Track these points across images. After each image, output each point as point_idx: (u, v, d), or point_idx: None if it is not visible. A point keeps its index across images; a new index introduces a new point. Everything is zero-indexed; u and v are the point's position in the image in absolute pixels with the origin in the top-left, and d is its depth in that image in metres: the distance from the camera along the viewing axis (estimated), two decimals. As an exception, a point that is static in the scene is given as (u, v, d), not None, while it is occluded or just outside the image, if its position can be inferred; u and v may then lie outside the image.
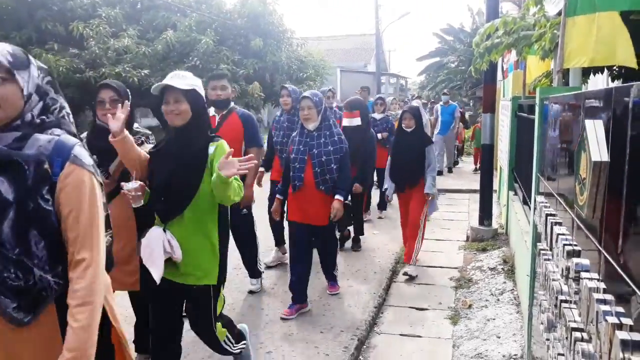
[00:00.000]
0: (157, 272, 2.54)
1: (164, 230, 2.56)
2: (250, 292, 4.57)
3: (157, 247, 2.52)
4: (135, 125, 3.09)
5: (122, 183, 2.54)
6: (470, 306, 4.39)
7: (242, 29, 14.26)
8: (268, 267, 5.19)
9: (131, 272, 2.97)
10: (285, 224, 4.35)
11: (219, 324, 2.85)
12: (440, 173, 12.00)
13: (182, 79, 2.56)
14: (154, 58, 12.52)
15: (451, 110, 12.54)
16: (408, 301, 4.61)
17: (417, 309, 4.46)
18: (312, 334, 3.80)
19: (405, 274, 5.13)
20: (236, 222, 4.07)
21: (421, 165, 5.06)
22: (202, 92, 2.65)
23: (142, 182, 2.56)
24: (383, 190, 5.43)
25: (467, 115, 20.26)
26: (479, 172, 11.53)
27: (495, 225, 6.63)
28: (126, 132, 2.50)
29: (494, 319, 4.02)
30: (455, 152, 13.93)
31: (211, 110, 4.20)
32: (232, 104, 4.36)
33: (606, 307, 1.12)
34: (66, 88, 11.60)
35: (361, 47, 31.79)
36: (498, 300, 4.41)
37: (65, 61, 11.38)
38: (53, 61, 11.16)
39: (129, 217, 2.92)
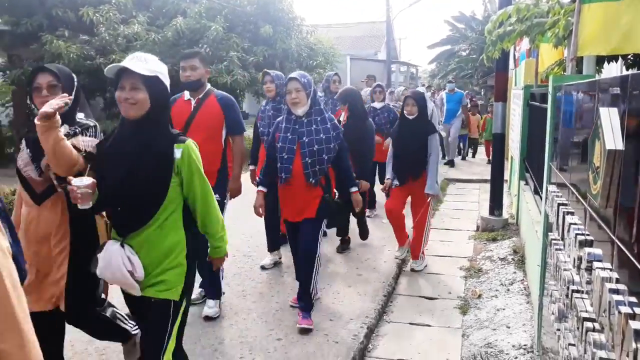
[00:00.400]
0: (132, 289, 2.21)
1: (122, 245, 2.18)
2: (206, 317, 3.77)
3: (116, 266, 2.15)
4: (81, 115, 2.63)
5: (70, 178, 2.16)
6: (480, 296, 4.39)
7: (251, 15, 14.20)
8: (263, 268, 4.86)
9: (56, 281, 2.55)
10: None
11: (168, 352, 2.26)
12: (452, 164, 11.75)
13: (142, 63, 2.16)
14: (164, 45, 12.50)
15: (457, 98, 12.04)
16: (418, 290, 4.61)
17: (426, 298, 4.46)
18: (322, 321, 3.81)
19: (412, 269, 5.02)
20: None
21: (425, 155, 4.76)
22: (167, 82, 2.24)
23: (94, 180, 2.18)
24: (386, 179, 5.05)
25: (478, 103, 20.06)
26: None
27: (505, 215, 6.59)
28: (57, 118, 2.23)
29: (503, 309, 4.01)
30: (464, 144, 13.40)
31: (186, 94, 3.82)
32: (209, 86, 3.88)
33: (619, 297, 1.11)
34: (77, 75, 11.60)
35: (371, 34, 31.55)
36: (508, 290, 4.40)
37: (76, 48, 11.41)
38: (64, 47, 11.19)
39: (61, 223, 2.53)
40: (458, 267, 5.17)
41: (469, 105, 13.51)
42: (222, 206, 3.74)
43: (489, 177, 6.85)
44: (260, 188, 3.78)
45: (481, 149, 14.01)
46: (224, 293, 4.03)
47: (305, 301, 3.69)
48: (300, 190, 3.60)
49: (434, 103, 10.61)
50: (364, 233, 5.72)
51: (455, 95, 12.06)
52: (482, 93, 23.97)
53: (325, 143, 3.57)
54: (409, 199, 5.10)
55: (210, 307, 3.82)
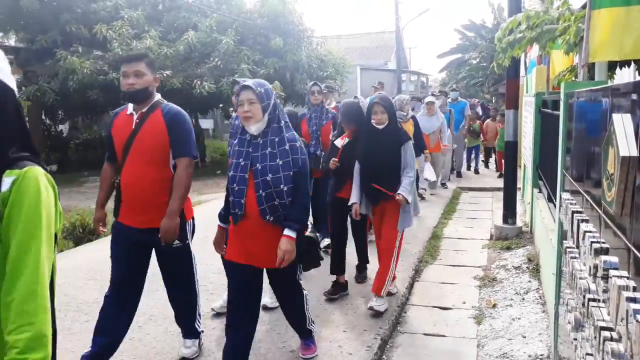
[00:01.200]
0: None
1: None
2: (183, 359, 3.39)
3: None
4: None
5: None
6: (494, 305, 4.34)
7: (262, 28, 14.33)
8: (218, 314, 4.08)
9: None
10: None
11: None
12: (459, 174, 11.56)
13: None
14: (176, 59, 12.67)
15: (460, 107, 11.23)
16: (431, 300, 4.58)
17: (440, 308, 4.42)
18: (336, 332, 3.79)
19: (370, 308, 4.06)
20: (165, 263, 3.26)
21: (398, 170, 4.10)
22: (12, 85, 1.51)
23: None
24: (350, 203, 4.24)
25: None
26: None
27: (519, 223, 6.54)
28: None
29: (519, 319, 3.96)
30: (476, 155, 12.82)
31: (129, 107, 3.16)
32: (158, 97, 3.18)
33: (637, 306, 1.09)
34: (90, 89, 11.81)
35: (381, 44, 31.67)
36: (523, 299, 4.35)
37: (90, 63, 11.59)
38: (78, 63, 11.38)
39: None
40: (472, 276, 5.12)
41: (479, 112, 13.01)
42: (188, 254, 3.28)
43: (502, 186, 6.80)
44: (220, 224, 3.09)
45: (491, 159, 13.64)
46: (201, 331, 3.54)
47: (306, 334, 3.42)
48: (257, 230, 2.86)
49: (449, 113, 10.34)
50: (361, 263, 4.85)
51: (459, 104, 11.30)
52: (494, 101, 23.87)
53: (282, 171, 2.82)
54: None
55: (186, 347, 3.41)
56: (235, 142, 2.98)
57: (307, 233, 3.17)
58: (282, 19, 14.31)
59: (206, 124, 20.93)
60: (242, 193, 2.84)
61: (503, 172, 10.83)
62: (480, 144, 12.52)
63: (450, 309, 4.39)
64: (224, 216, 3.07)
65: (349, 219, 4.49)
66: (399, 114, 6.57)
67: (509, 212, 6.41)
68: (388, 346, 3.78)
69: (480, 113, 14.80)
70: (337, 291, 4.44)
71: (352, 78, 21.19)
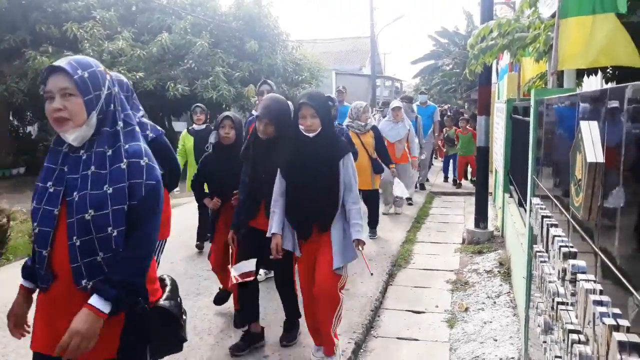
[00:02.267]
0: None
1: None
2: None
3: None
4: None
5: None
6: (466, 309, 4.39)
7: (237, 31, 14.26)
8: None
9: None
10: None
11: None
12: (422, 187, 10.29)
13: None
14: (149, 61, 12.51)
15: (430, 112, 10.28)
16: (405, 304, 4.60)
17: (414, 312, 4.45)
18: (309, 337, 3.77)
19: None
20: None
21: (335, 193, 3.13)
22: None
23: None
24: (272, 234, 3.22)
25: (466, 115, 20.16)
26: (460, 186, 10.43)
27: (491, 227, 6.63)
28: None
29: (490, 322, 4.01)
30: (454, 165, 11.35)
31: None
32: None
33: (603, 309, 1.11)
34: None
35: (356, 49, 31.86)
36: (495, 303, 4.40)
37: (60, 64, 11.34)
38: (47, 64, 11.09)
39: None
40: (445, 280, 5.17)
41: (456, 117, 12.41)
42: None
43: (474, 190, 6.90)
44: (23, 282, 1.94)
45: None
46: None
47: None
48: (70, 302, 1.76)
49: (416, 120, 8.86)
50: (289, 319, 3.74)
51: (427, 108, 10.32)
52: (466, 107, 24.22)
53: (114, 203, 1.75)
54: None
55: None
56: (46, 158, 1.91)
57: (161, 301, 1.96)
58: (258, 22, 14.26)
59: (179, 126, 20.70)
60: (47, 239, 1.77)
61: (460, 181, 10.70)
62: (457, 152, 11.15)
63: (424, 312, 4.42)
64: (29, 270, 1.91)
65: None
66: (356, 124, 6.17)
67: (481, 216, 6.50)
68: (362, 350, 3.78)
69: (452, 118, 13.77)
70: (249, 343, 3.54)
71: (328, 82, 21.23)
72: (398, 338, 3.96)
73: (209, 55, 12.95)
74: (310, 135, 3.10)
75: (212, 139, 4.19)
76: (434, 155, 12.46)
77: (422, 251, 6.21)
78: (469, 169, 10.98)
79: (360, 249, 3.21)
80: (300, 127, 3.09)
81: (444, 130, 11.29)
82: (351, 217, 3.18)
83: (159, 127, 3.30)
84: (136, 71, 11.91)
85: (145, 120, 3.18)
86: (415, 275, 5.36)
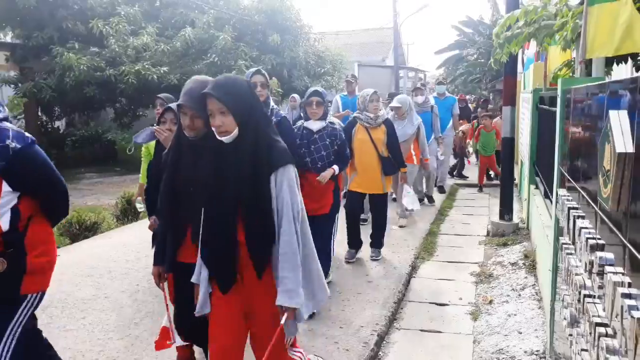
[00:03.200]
0: None
1: None
2: None
3: None
4: None
5: None
6: (491, 302, 4.35)
7: (259, 25, 14.30)
8: None
9: None
10: None
11: None
12: (442, 190, 9.15)
13: None
14: (173, 55, 12.64)
15: (448, 104, 9.02)
16: (428, 297, 4.58)
17: (437, 304, 4.42)
18: (332, 329, 3.79)
19: None
20: None
21: (272, 222, 2.21)
22: None
23: None
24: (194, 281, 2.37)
25: (488, 107, 19.71)
26: (481, 190, 9.13)
27: (516, 219, 6.55)
28: None
29: (515, 315, 3.97)
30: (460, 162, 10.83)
31: None
32: None
33: (632, 302, 1.09)
34: (87, 86, 11.77)
35: (379, 41, 31.61)
36: (519, 295, 4.35)
37: (86, 59, 11.55)
38: (74, 60, 11.34)
39: None
40: (469, 272, 5.13)
41: (479, 110, 11.54)
42: None
43: (498, 182, 6.81)
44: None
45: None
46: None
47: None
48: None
49: (431, 110, 8.01)
50: None
51: (446, 100, 9.05)
52: (491, 97, 23.89)
53: None
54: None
55: None
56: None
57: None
58: (280, 15, 14.27)
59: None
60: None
61: (481, 185, 9.26)
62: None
63: (447, 305, 4.40)
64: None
65: None
66: (364, 116, 5.06)
67: (506, 208, 6.41)
68: (384, 342, 3.78)
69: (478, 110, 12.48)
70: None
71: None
72: (421, 330, 3.95)
73: (231, 49, 13.02)
74: (225, 139, 2.17)
75: (140, 138, 3.47)
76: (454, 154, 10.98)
77: (445, 243, 6.17)
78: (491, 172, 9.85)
79: (283, 321, 2.17)
80: (214, 127, 2.18)
81: (473, 124, 10.28)
82: (280, 261, 2.17)
83: (28, 135, 2.25)
84: (160, 66, 12.05)
85: (7, 125, 2.19)
86: (439, 267, 5.33)
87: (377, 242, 5.42)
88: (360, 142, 5.12)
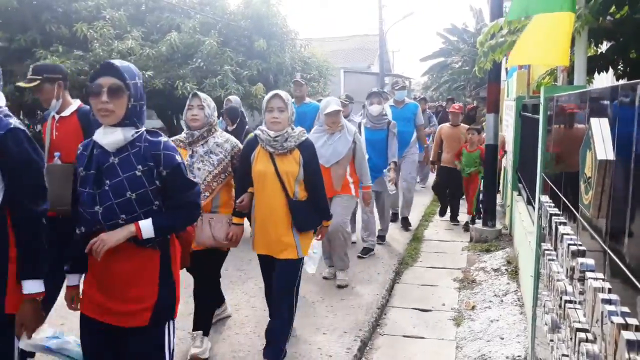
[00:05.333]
0: None
1: None
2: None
3: None
4: None
5: None
6: (473, 307, 4.37)
7: (245, 30, 14.27)
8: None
9: None
10: None
11: None
12: (406, 223, 7.02)
13: None
14: (158, 60, 12.54)
15: (409, 113, 6.87)
16: (411, 302, 4.59)
17: (420, 310, 4.43)
18: (315, 335, 3.78)
19: None
20: None
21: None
22: None
23: None
24: None
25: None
26: (470, 228, 6.58)
27: (499, 226, 6.60)
28: None
29: (497, 320, 3.99)
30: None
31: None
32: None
33: (611, 307, 1.10)
34: (71, 90, 11.62)
35: (365, 47, 31.77)
36: (502, 301, 4.38)
37: (70, 63, 11.42)
38: (58, 63, 11.20)
39: None
40: (452, 278, 5.15)
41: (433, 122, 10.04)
42: None
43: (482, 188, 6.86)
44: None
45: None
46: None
47: None
48: None
49: (387, 128, 5.74)
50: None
51: (406, 109, 6.91)
52: (475, 104, 24.13)
53: None
54: None
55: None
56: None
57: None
58: (266, 21, 14.25)
59: (188, 125, 20.74)
60: None
61: (474, 214, 6.90)
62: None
63: (430, 310, 4.41)
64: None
65: None
66: (264, 135, 3.20)
67: (489, 214, 6.46)
68: (368, 348, 3.77)
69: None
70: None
71: (336, 81, 21.21)
72: (404, 336, 3.95)
73: (217, 54, 12.96)
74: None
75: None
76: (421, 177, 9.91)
77: (429, 249, 6.19)
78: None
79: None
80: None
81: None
82: None
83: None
84: (145, 70, 11.95)
85: None
86: (422, 273, 5.35)
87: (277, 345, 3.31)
88: (259, 176, 3.22)
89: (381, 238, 6.19)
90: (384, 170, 5.66)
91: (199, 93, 3.38)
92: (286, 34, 15.26)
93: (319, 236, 3.63)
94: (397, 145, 5.92)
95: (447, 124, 7.68)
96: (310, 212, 3.30)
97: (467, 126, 7.45)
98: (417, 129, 7.02)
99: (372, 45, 30.35)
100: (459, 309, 4.40)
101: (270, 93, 3.19)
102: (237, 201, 3.29)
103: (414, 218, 7.56)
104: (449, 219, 7.55)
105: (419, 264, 5.66)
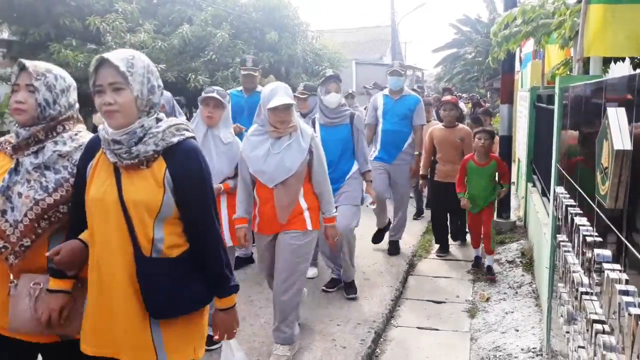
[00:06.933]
0: None
1: None
2: None
3: None
4: None
5: None
6: (488, 299, 4.36)
7: (257, 22, 14.26)
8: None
9: None
10: None
11: None
12: (395, 248, 5.49)
13: None
14: (170, 52, 12.59)
15: (406, 108, 5.25)
16: (425, 294, 4.59)
17: (434, 302, 4.43)
18: (329, 326, 3.79)
19: None
20: None
21: None
22: None
23: None
24: None
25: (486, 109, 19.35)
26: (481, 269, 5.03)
27: (513, 217, 6.56)
28: None
29: (512, 312, 3.98)
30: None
31: None
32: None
33: (629, 299, 1.09)
34: (84, 83, 11.71)
35: (377, 39, 31.59)
36: (516, 293, 4.36)
37: (83, 56, 11.51)
38: (71, 57, 11.30)
39: None
40: (466, 270, 5.14)
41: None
42: None
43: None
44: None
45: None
46: None
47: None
48: None
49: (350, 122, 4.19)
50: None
51: (403, 101, 5.28)
52: (489, 96, 23.92)
53: None
54: None
55: None
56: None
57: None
58: (278, 12, 14.23)
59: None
60: None
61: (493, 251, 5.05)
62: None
63: (444, 302, 4.40)
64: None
65: None
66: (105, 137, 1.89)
67: (503, 206, 6.42)
68: (382, 340, 3.78)
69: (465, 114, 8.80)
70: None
71: (348, 72, 21.13)
72: (418, 328, 3.96)
73: (229, 46, 12.98)
74: None
75: None
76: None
77: (443, 241, 6.17)
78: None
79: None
80: None
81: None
82: None
83: None
84: (158, 63, 11.99)
85: None
86: (436, 265, 5.33)
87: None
88: (93, 206, 1.81)
89: (349, 288, 4.35)
90: (364, 195, 4.29)
91: (29, 64, 1.93)
92: (297, 26, 15.23)
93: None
94: (386, 149, 5.14)
95: (439, 125, 5.65)
96: (183, 281, 1.80)
97: (465, 127, 5.50)
98: (413, 130, 5.28)
99: (384, 37, 30.16)
100: (473, 301, 4.39)
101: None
102: (50, 252, 1.80)
103: (427, 211, 7.26)
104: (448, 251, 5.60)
105: (432, 255, 5.65)
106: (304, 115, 4.43)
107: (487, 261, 4.93)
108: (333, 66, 16.67)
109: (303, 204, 3.21)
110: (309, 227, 3.22)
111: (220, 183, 3.46)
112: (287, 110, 3.05)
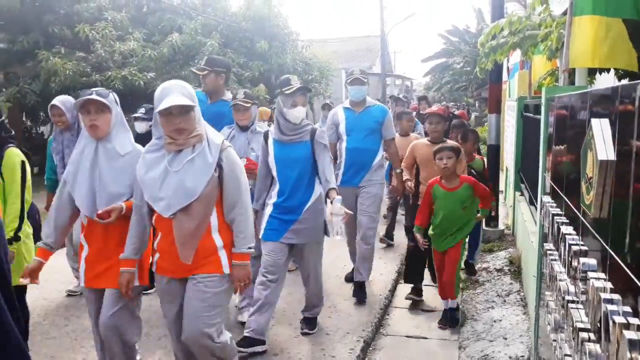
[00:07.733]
0: None
1: None
2: None
3: None
4: None
5: None
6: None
7: (247, 31, 14.31)
8: None
9: None
10: None
11: None
12: (361, 292, 4.52)
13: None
14: (160, 61, 12.58)
15: (372, 120, 4.55)
16: (414, 303, 4.59)
17: (423, 310, 4.44)
18: (318, 335, 3.79)
19: None
20: None
21: None
22: None
23: None
24: None
25: (472, 116, 19.59)
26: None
27: (501, 226, 6.60)
28: None
29: (500, 320, 4.00)
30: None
31: None
32: None
33: (613, 307, 1.11)
34: (73, 91, 11.66)
35: (366, 48, 31.79)
36: (504, 301, 4.38)
37: (72, 64, 11.45)
38: (60, 64, 11.23)
39: None
40: (455, 279, 5.15)
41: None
42: None
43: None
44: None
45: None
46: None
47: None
48: None
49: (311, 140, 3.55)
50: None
51: (367, 113, 4.59)
52: (477, 105, 24.15)
53: None
54: None
55: None
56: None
57: None
58: (268, 22, 14.30)
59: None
60: None
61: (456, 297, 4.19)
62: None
63: (433, 311, 4.41)
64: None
65: None
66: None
67: (491, 215, 6.46)
68: (371, 349, 3.78)
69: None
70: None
71: (337, 81, 21.24)
72: (407, 336, 3.96)
73: (219, 55, 13.00)
74: None
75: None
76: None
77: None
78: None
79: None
80: None
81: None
82: None
83: None
84: (147, 71, 11.99)
85: None
86: (425, 273, 5.34)
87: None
88: None
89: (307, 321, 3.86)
90: (334, 208, 3.41)
91: None
92: (287, 35, 15.31)
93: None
94: (351, 171, 4.50)
95: (423, 140, 4.85)
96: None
97: (454, 144, 4.28)
98: (386, 145, 4.66)
99: (374, 46, 30.38)
100: (462, 309, 4.40)
101: None
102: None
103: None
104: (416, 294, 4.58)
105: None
106: (244, 128, 3.75)
107: (446, 304, 4.13)
108: (323, 75, 16.77)
109: (217, 241, 2.54)
110: (226, 270, 2.54)
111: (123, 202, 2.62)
112: (185, 114, 2.40)
